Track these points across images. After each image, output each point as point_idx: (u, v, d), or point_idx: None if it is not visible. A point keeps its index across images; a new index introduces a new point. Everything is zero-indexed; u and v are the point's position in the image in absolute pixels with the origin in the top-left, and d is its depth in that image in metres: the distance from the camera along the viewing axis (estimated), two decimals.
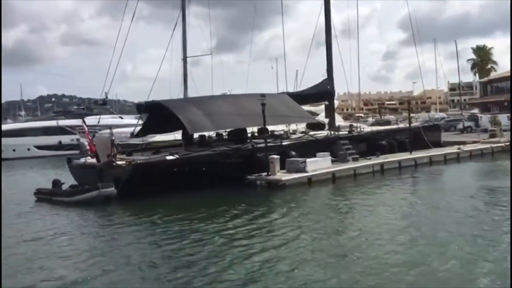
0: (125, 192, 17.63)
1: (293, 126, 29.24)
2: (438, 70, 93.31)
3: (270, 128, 25.61)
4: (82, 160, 21.74)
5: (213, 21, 34.39)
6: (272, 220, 14.25)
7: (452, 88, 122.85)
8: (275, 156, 20.53)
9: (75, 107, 61.26)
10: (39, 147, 47.67)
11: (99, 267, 10.22)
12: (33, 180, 28.94)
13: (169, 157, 19.52)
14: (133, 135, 24.56)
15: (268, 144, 22.02)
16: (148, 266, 10.14)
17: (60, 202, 18.28)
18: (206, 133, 24.17)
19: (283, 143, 22.60)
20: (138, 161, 18.77)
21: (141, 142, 27.27)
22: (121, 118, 53.63)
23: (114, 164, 18.30)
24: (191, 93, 36.12)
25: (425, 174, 22.95)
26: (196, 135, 25.13)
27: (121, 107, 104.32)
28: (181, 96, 36.34)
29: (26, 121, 54.73)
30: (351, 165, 22.50)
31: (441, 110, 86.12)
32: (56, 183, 20.35)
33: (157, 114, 22.34)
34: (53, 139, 48.34)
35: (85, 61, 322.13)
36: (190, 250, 11.22)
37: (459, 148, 28.03)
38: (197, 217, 14.77)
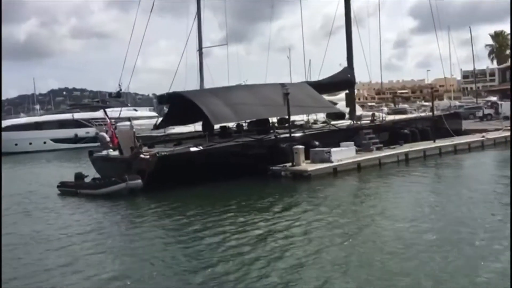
0: (151, 184, 17.53)
1: (312, 116, 28.94)
2: (450, 58, 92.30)
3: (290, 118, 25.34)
4: (104, 152, 21.59)
5: (221, 12, 33.89)
6: (304, 211, 13.94)
7: (465, 75, 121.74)
8: (300, 146, 20.23)
9: (88, 100, 61.21)
10: (55, 140, 47.83)
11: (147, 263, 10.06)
12: (51, 174, 29.12)
13: (193, 149, 19.33)
14: (156, 127, 24.33)
15: (287, 135, 21.78)
16: (190, 259, 9.98)
17: (86, 195, 18.19)
18: (226, 124, 23.88)
19: (306, 133, 22.25)
20: (163, 153, 18.56)
21: (160, 134, 27.15)
22: (136, 110, 53.59)
23: (141, 156, 18.10)
24: (207, 85, 35.87)
25: (451, 162, 22.53)
26: (216, 126, 24.96)
27: (132, 100, 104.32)
28: (197, 87, 36.11)
29: (41, 114, 54.86)
30: (375, 154, 22.16)
31: (454, 98, 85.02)
32: (79, 176, 20.28)
33: (178, 105, 22.13)
34: (69, 132, 48.53)
35: (95, 54, 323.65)
36: (234, 241, 11.03)
37: (483, 136, 27.48)
38: (229, 209, 14.55)
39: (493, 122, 37.32)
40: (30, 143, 46.04)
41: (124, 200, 16.81)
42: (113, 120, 38.33)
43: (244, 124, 25.16)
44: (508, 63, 51.90)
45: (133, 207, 16.22)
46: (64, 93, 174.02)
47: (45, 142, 47.03)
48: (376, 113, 29.00)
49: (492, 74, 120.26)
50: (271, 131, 22.10)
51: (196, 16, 36.75)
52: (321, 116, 29.29)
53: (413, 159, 22.97)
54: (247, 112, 21.73)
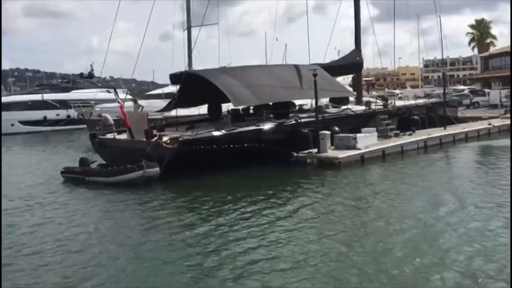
0: (167, 171, 15.89)
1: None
2: (407, 47, 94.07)
3: (297, 102, 24.08)
4: (109, 136, 19.59)
5: None
6: (349, 201, 12.78)
7: (426, 64, 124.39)
8: (326, 132, 19.01)
9: (56, 81, 57.50)
10: (24, 123, 44.53)
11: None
12: (36, 158, 26.69)
13: (215, 133, 17.71)
14: (165, 109, 22.38)
15: (310, 119, 20.55)
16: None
17: (96, 183, 16.26)
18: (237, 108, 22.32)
19: (326, 118, 21.06)
20: (185, 138, 16.87)
21: (157, 117, 25.16)
22: (109, 92, 50.67)
23: (163, 142, 16.35)
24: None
25: (470, 149, 22.08)
26: (224, 110, 23.43)
27: (102, 81, 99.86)
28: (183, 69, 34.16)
29: (6, 95, 50.96)
30: (397, 141, 21.26)
31: (414, 87, 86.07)
32: (85, 162, 18.33)
33: (190, 86, 20.31)
34: (38, 114, 45.31)
35: (49, 34, 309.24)
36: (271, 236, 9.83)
37: (489, 124, 27.25)
38: (260, 199, 13.26)
39: (480, 110, 37.54)
40: None
41: (143, 189, 14.98)
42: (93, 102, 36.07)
43: (250, 108, 23.60)
44: (491, 51, 52.76)
45: (155, 198, 14.41)
46: (16, 74, 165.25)
47: (12, 125, 43.63)
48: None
49: (452, 63, 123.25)
50: (291, 115, 20.72)
51: None
52: (325, 101, 28.15)
53: (430, 146, 22.31)
54: (267, 94, 20.23)
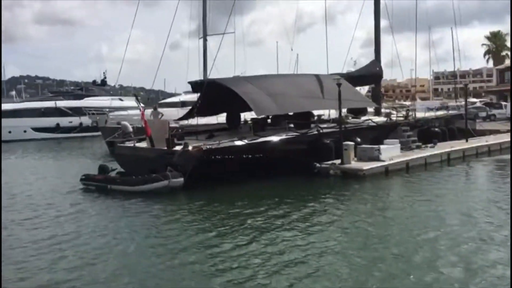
0: (189, 181, 15.60)
1: (333, 111, 27.38)
2: (416, 59, 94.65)
3: (315, 112, 23.77)
4: (129, 144, 19.36)
5: (193, 4, 31.68)
6: (380, 217, 12.33)
7: (437, 76, 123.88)
8: (350, 143, 18.69)
9: (67, 88, 57.66)
10: (36, 129, 44.53)
11: None
12: (52, 165, 26.55)
13: (238, 142, 17.42)
14: (185, 117, 22.15)
15: (332, 130, 20.27)
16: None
17: (119, 192, 15.96)
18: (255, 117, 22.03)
19: (348, 128, 20.73)
20: (208, 147, 16.58)
21: (174, 126, 24.94)
22: (121, 100, 50.72)
23: (187, 149, 16.07)
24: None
25: (494, 163, 21.63)
26: (242, 118, 23.22)
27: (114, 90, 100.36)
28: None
29: (20, 102, 51.12)
30: (420, 154, 20.86)
31: (423, 99, 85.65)
32: (105, 169, 18.06)
33: (210, 94, 20.07)
34: (51, 121, 45.35)
35: (59, 41, 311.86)
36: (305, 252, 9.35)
37: None
38: (286, 212, 12.84)
39: (497, 123, 37.11)
40: (10, 132, 42.54)
41: (167, 199, 14.67)
42: (106, 110, 35.92)
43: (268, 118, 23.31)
44: (505, 64, 52.27)
45: (183, 208, 14.10)
46: (26, 81, 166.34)
47: (25, 131, 43.65)
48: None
49: (462, 75, 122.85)
50: (313, 125, 20.42)
51: (202, 1, 34.81)
52: (344, 111, 27.83)
53: (453, 159, 21.90)
54: (289, 103, 19.94)
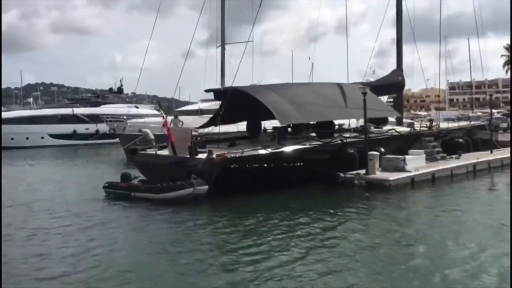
0: (213, 189, 15.38)
1: (353, 120, 27.12)
2: (429, 69, 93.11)
3: (336, 121, 23.51)
4: (150, 151, 19.21)
5: (205, 13, 31.78)
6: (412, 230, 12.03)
7: (452, 86, 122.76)
8: (375, 153, 18.37)
9: (83, 95, 58.07)
10: (53, 136, 44.75)
11: None
12: (70, 172, 26.50)
13: (262, 151, 17.18)
14: (206, 125, 22.00)
15: (356, 139, 19.98)
16: None
17: (143, 199, 15.76)
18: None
19: (372, 138, 20.40)
20: (232, 155, 16.36)
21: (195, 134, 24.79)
22: (137, 107, 50.91)
23: (211, 157, 15.87)
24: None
25: None
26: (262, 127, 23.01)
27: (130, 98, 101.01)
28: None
29: (37, 108, 51.54)
30: (446, 165, 20.43)
31: (438, 109, 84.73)
32: (127, 177, 17.89)
33: (233, 102, 19.89)
34: (67, 128, 45.55)
35: (73, 50, 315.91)
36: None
37: None
38: (312, 223, 12.49)
39: None
40: (27, 138, 42.81)
41: (191, 208, 14.50)
42: (124, 117, 35.95)
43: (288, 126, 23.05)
44: None
45: (210, 218, 13.91)
46: (41, 88, 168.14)
47: (42, 137, 43.89)
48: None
49: (478, 86, 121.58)
50: (336, 134, 20.14)
51: (221, 11, 34.89)
52: (361, 121, 27.53)
53: (479, 171, 21.45)
54: (312, 112, 19.70)
